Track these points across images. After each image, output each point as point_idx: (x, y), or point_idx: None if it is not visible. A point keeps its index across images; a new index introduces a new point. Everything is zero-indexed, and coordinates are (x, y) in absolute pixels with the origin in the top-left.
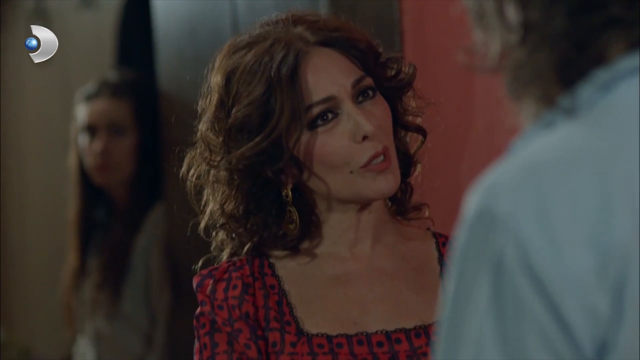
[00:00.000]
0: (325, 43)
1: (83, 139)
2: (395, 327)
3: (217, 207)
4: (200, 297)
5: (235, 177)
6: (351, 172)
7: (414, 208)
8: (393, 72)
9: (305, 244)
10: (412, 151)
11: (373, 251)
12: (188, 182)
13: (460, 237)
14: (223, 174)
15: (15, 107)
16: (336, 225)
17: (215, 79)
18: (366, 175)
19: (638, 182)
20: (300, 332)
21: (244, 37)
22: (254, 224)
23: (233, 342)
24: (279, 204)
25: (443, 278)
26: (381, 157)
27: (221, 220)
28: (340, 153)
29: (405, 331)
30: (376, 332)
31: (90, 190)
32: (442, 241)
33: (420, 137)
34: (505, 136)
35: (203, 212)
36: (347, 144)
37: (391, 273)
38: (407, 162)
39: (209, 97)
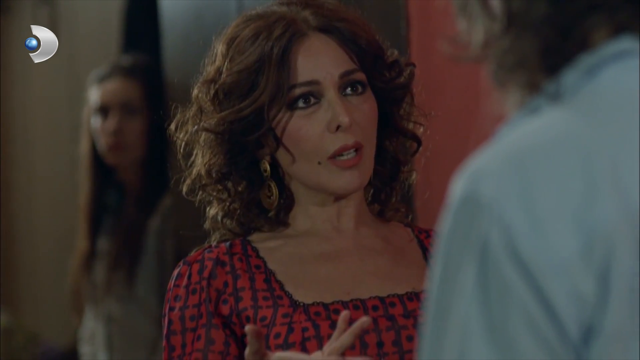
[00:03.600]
0: (326, 30)
1: (96, 121)
2: (387, 293)
3: (201, 166)
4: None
5: (213, 139)
6: (319, 162)
7: (395, 210)
8: (392, 75)
9: (287, 225)
10: (402, 156)
11: (357, 231)
12: (176, 139)
13: (445, 223)
14: (204, 134)
15: (20, 93)
16: (317, 205)
17: (219, 45)
18: (332, 169)
19: (623, 166)
20: (294, 303)
21: (256, 10)
22: (229, 189)
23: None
24: (254, 173)
25: (426, 259)
26: (351, 153)
27: (203, 181)
28: (312, 139)
29: (398, 296)
30: (370, 298)
31: (102, 175)
32: (416, 229)
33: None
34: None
35: (190, 171)
36: (320, 131)
37: (379, 250)
38: (395, 167)
39: (211, 62)
